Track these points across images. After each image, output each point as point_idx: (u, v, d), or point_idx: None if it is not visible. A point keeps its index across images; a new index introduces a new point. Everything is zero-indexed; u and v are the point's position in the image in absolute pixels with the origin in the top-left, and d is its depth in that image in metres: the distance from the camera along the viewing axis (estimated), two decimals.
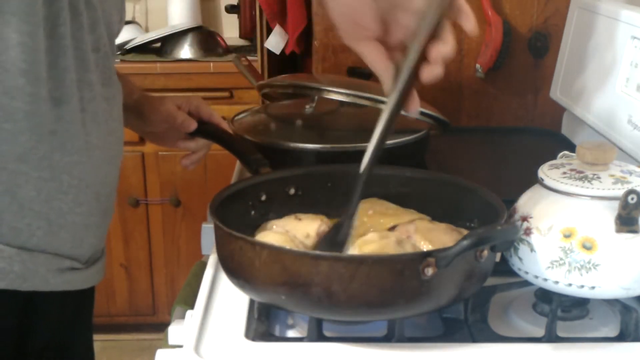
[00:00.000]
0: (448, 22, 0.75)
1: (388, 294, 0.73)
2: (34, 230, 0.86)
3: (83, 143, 0.89)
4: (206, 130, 1.16)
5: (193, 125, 1.14)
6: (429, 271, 0.73)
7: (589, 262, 0.78)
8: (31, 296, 0.89)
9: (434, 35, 0.74)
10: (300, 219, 0.92)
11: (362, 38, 0.77)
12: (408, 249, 0.84)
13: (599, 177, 0.81)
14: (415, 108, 0.79)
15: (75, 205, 0.90)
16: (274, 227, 0.92)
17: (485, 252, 0.77)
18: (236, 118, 1.29)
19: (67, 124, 0.86)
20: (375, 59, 0.78)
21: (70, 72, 0.86)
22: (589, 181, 0.81)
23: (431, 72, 0.76)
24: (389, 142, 1.15)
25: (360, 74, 1.39)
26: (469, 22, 0.75)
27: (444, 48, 0.75)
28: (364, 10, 0.74)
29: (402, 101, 0.78)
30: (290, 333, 0.85)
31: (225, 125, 1.18)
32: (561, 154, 0.90)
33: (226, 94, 2.33)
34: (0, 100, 0.81)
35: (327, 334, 0.80)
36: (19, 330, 0.92)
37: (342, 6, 0.75)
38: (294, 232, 0.90)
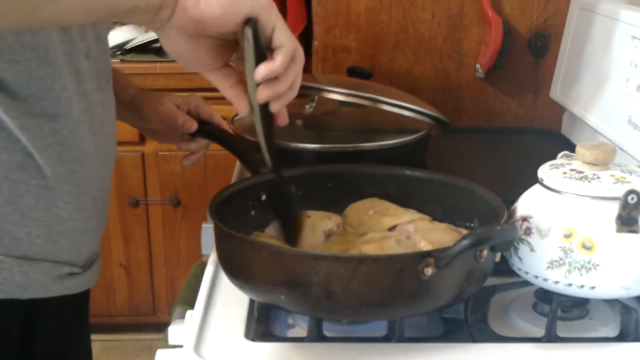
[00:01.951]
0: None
1: (387, 293, 0.73)
2: (34, 239, 0.86)
3: (80, 152, 0.89)
4: (206, 130, 1.16)
5: (194, 126, 1.14)
6: (428, 271, 0.72)
7: (589, 262, 0.78)
8: (32, 303, 0.89)
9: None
10: (309, 216, 0.92)
11: (209, 70, 0.80)
12: (408, 249, 0.85)
13: (599, 177, 0.81)
14: (283, 122, 0.81)
15: (75, 212, 0.90)
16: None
17: (485, 252, 0.77)
18: (236, 118, 1.29)
19: (62, 137, 0.87)
20: (222, 87, 0.81)
21: (67, 89, 0.86)
22: (589, 181, 0.81)
23: (262, 94, 0.77)
24: (389, 142, 1.16)
25: (360, 74, 1.39)
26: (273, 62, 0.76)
27: (270, 66, 0.75)
28: (199, 53, 0.77)
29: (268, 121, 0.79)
30: (290, 333, 0.85)
31: (225, 126, 1.18)
32: (561, 154, 0.90)
33: None
34: None
35: (327, 334, 0.80)
36: (21, 337, 0.92)
37: (179, 55, 0.77)
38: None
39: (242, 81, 0.80)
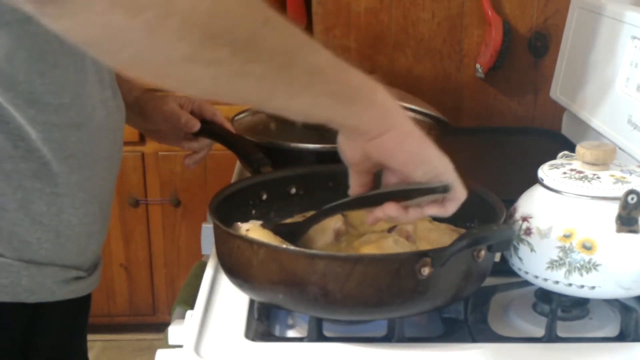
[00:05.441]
0: None
1: (384, 293, 0.73)
2: (43, 243, 0.87)
3: (94, 158, 0.90)
4: (209, 129, 1.16)
5: (197, 125, 1.14)
6: (425, 271, 0.73)
7: (589, 262, 0.78)
8: (37, 307, 0.89)
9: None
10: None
11: (352, 167, 0.83)
12: (406, 249, 0.84)
13: (599, 177, 0.81)
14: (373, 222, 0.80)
15: (83, 216, 0.90)
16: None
17: (483, 252, 0.77)
18: (236, 118, 1.29)
19: (83, 144, 0.87)
20: (353, 181, 0.83)
21: (92, 97, 0.88)
22: (589, 181, 0.81)
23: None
24: None
25: None
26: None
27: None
28: (354, 156, 0.81)
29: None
30: (290, 333, 0.85)
31: (228, 125, 1.18)
32: (561, 154, 0.90)
33: None
34: (19, 122, 0.82)
35: (327, 334, 0.80)
36: (25, 340, 0.92)
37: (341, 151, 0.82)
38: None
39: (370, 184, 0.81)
